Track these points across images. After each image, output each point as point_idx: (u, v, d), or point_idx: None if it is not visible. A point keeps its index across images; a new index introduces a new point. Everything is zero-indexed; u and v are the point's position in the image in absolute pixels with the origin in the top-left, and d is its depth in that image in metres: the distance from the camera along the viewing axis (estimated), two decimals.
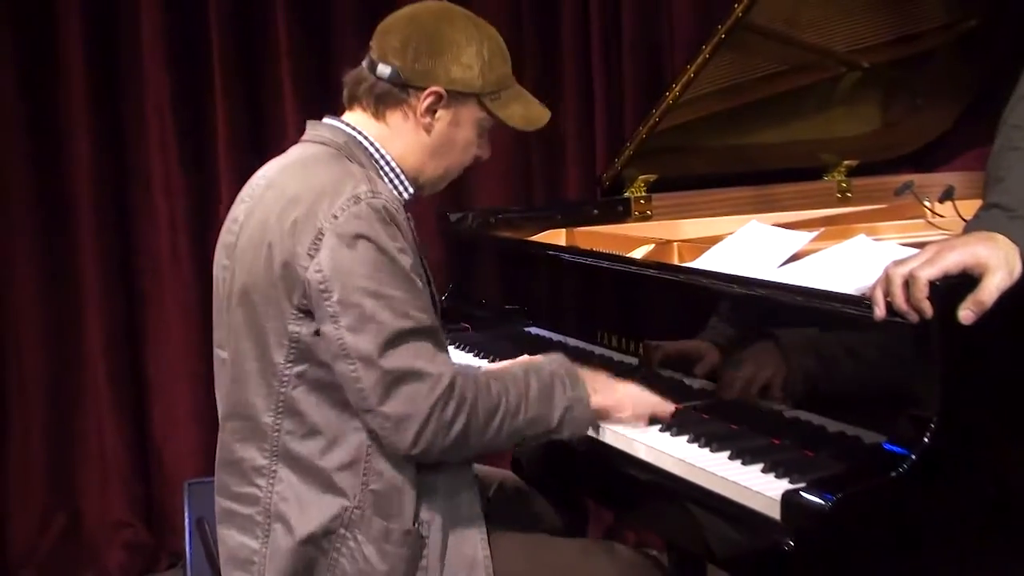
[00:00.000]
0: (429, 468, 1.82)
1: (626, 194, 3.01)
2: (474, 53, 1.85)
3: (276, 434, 1.81)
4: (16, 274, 3.59)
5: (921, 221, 2.84)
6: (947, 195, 2.74)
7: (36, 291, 3.60)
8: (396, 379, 1.70)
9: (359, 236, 1.71)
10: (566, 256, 2.51)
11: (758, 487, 1.64)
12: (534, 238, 2.80)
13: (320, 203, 1.74)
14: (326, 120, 1.93)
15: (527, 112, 1.94)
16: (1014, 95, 1.77)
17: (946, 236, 2.59)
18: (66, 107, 3.57)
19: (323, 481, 1.80)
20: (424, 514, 1.82)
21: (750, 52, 2.97)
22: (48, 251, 3.60)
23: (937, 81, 3.29)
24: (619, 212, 2.97)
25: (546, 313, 2.55)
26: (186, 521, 3.20)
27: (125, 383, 3.66)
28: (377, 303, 1.70)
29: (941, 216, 2.78)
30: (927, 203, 2.86)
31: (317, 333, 1.75)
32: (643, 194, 3.00)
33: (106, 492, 3.69)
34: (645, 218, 2.98)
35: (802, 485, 1.56)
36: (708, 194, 3.07)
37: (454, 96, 1.85)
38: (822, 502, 1.50)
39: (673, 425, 1.92)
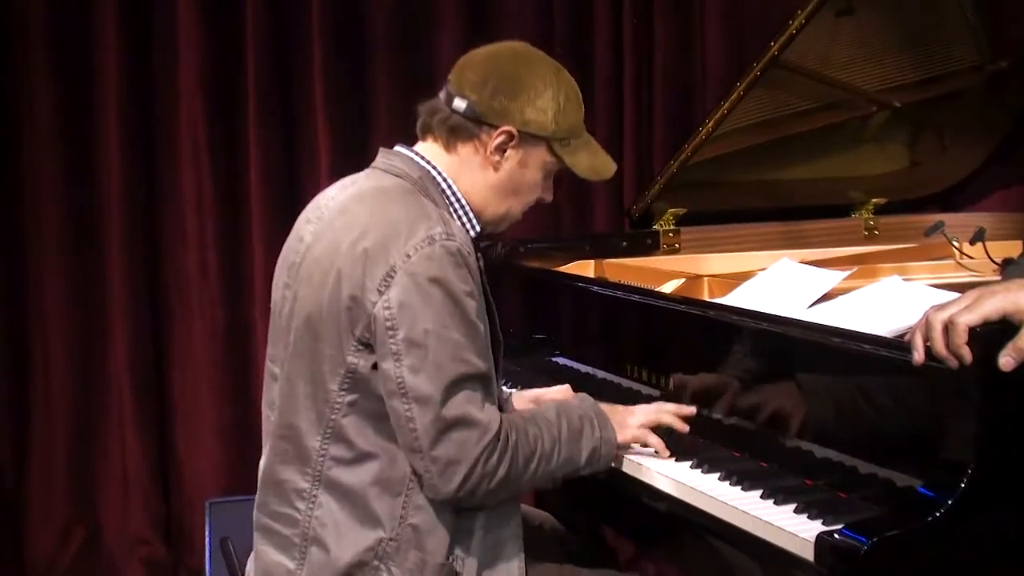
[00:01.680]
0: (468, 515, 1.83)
1: (655, 227, 3.02)
2: (550, 98, 1.87)
3: (321, 459, 1.82)
4: (44, 288, 3.62)
5: (951, 262, 2.84)
6: (978, 237, 2.75)
7: (64, 306, 3.62)
8: (449, 425, 1.72)
9: (431, 279, 1.73)
10: (597, 288, 2.52)
11: (791, 527, 1.64)
12: (563, 269, 2.82)
13: (395, 240, 1.75)
14: (400, 149, 1.93)
15: (593, 161, 1.97)
16: None
17: (976, 277, 2.61)
18: (99, 124, 3.59)
19: (362, 511, 1.80)
20: (459, 550, 1.82)
21: (782, 89, 2.99)
22: (77, 266, 3.62)
23: (966, 122, 3.31)
24: (648, 245, 2.98)
25: (574, 344, 2.56)
26: (207, 540, 3.23)
27: (149, 400, 3.67)
28: (440, 347, 1.72)
29: (971, 258, 2.79)
30: (956, 243, 2.86)
31: (375, 367, 1.76)
32: (672, 227, 3.02)
33: (127, 508, 3.70)
34: (673, 251, 2.99)
35: (837, 527, 1.56)
36: (736, 229, 3.08)
37: (525, 138, 1.87)
38: (857, 545, 1.50)
39: (705, 462, 1.93)
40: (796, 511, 1.69)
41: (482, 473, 1.74)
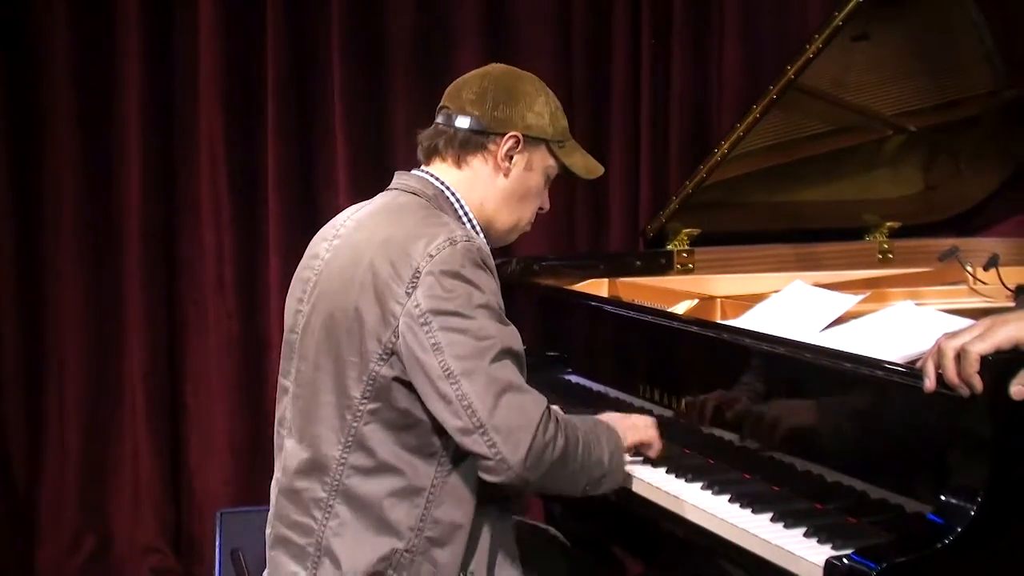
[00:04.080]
0: (482, 518, 1.85)
1: (669, 247, 3.03)
2: (543, 103, 2.00)
3: (340, 467, 1.84)
4: (61, 299, 3.65)
5: (964, 287, 2.84)
6: (992, 263, 2.75)
7: (80, 316, 3.65)
8: (502, 388, 1.73)
9: (454, 274, 1.77)
10: (611, 308, 2.53)
11: (800, 551, 1.64)
12: (576, 287, 2.83)
13: (416, 244, 1.80)
14: (414, 171, 2.01)
15: (586, 163, 2.08)
16: None
17: (989, 303, 2.61)
18: (119, 137, 3.63)
19: (378, 521, 1.82)
20: (470, 563, 1.84)
21: (798, 111, 3.00)
22: (94, 278, 3.66)
23: (981, 147, 3.31)
24: (661, 264, 3.00)
25: (587, 362, 2.57)
26: (216, 550, 3.23)
27: (162, 410, 3.70)
28: (477, 329, 1.75)
29: (985, 283, 2.79)
30: (970, 269, 2.86)
31: (397, 379, 1.79)
32: (686, 247, 3.03)
33: (137, 516, 3.72)
34: (687, 271, 3.01)
35: (846, 552, 1.56)
36: (750, 250, 3.09)
37: (529, 141, 1.98)
38: (866, 570, 1.50)
39: (715, 483, 1.93)
40: (806, 535, 1.69)
41: (544, 440, 1.74)
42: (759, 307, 2.35)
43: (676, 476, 2.01)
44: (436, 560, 1.82)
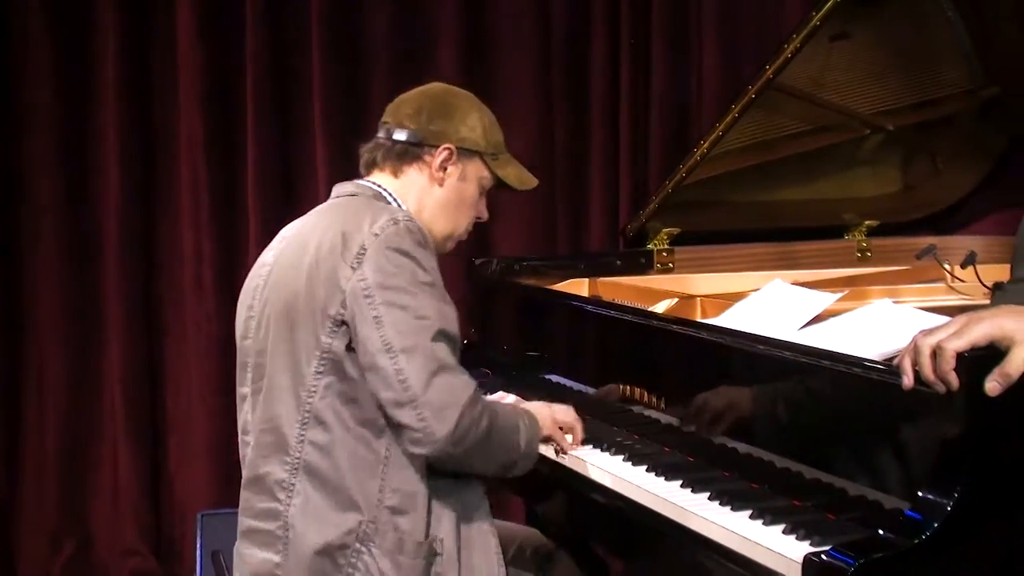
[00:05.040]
0: (442, 486, 1.93)
1: (649, 246, 3.04)
2: (477, 117, 2.12)
3: (299, 444, 1.91)
4: (40, 300, 3.64)
5: (942, 285, 2.86)
6: (969, 261, 2.77)
7: (59, 318, 3.64)
8: (437, 369, 1.84)
9: (400, 251, 1.88)
10: (591, 307, 2.53)
11: (779, 548, 1.65)
12: (557, 287, 2.83)
13: (362, 225, 1.90)
14: (352, 181, 2.12)
15: (520, 174, 2.20)
16: None
17: (967, 300, 2.63)
18: (98, 138, 3.63)
19: (340, 495, 1.89)
20: (437, 530, 1.90)
21: (777, 111, 3.01)
22: (73, 279, 3.65)
23: (958, 146, 3.33)
24: (642, 264, 3.01)
25: (567, 362, 2.58)
26: (197, 552, 3.22)
27: (142, 412, 3.69)
28: (418, 306, 1.86)
29: (962, 281, 2.81)
30: (947, 267, 2.88)
31: (348, 348, 1.87)
32: (666, 247, 3.04)
33: (117, 519, 3.71)
34: (667, 270, 3.02)
35: (825, 548, 1.57)
36: (729, 249, 3.11)
37: (463, 152, 2.09)
38: (844, 566, 1.51)
39: (694, 481, 1.94)
40: (784, 531, 1.70)
41: (471, 418, 1.85)
42: (738, 306, 2.37)
43: (656, 474, 2.01)
44: (400, 527, 1.88)
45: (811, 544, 1.64)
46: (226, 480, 3.65)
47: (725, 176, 3.07)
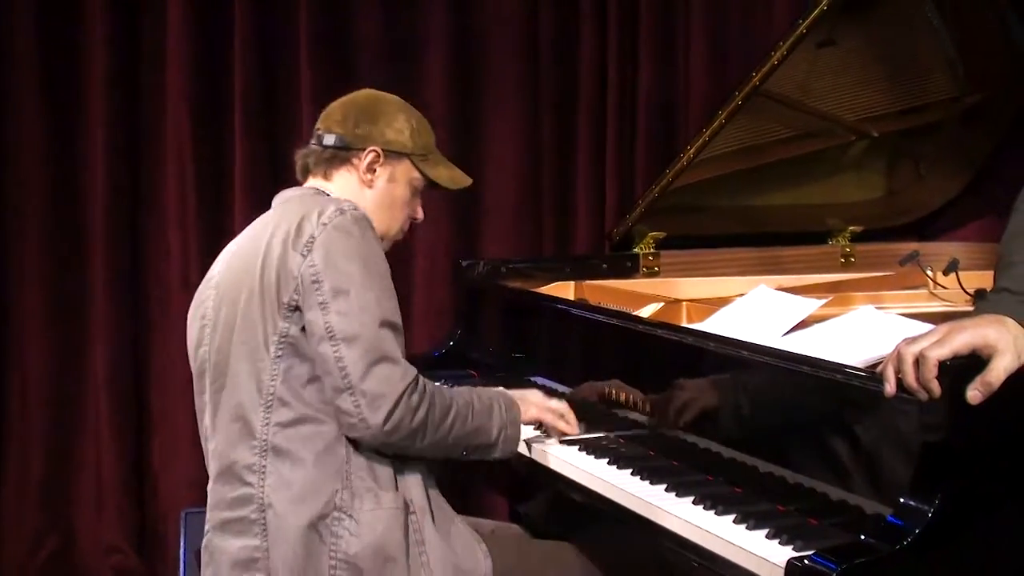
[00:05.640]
0: (408, 463, 2.01)
1: (635, 250, 3.06)
2: (404, 120, 2.19)
3: (265, 428, 1.97)
4: (26, 296, 3.61)
5: (924, 291, 2.88)
6: (951, 268, 2.79)
7: (44, 315, 3.62)
8: (376, 359, 1.91)
9: (348, 238, 1.95)
10: (577, 311, 2.55)
11: (763, 552, 1.67)
12: (543, 289, 2.85)
13: (310, 216, 1.98)
14: (291, 188, 2.19)
15: (452, 174, 2.27)
16: None
17: (949, 307, 2.65)
18: (85, 136, 3.60)
19: (311, 469, 1.95)
20: (406, 492, 1.99)
21: (763, 117, 3.04)
22: (59, 276, 3.62)
23: (942, 152, 3.36)
24: (627, 267, 3.03)
25: (552, 364, 2.59)
26: (181, 550, 3.22)
27: (126, 409, 3.67)
28: (363, 293, 1.93)
29: (944, 288, 2.83)
30: (930, 273, 2.90)
31: (303, 329, 1.94)
32: (652, 251, 3.06)
33: (100, 516, 3.69)
34: (653, 274, 3.04)
35: (808, 553, 1.59)
36: (715, 253, 3.13)
37: (390, 155, 2.17)
38: (827, 571, 1.53)
39: (679, 485, 1.96)
40: (768, 536, 1.71)
41: (405, 408, 1.91)
42: (723, 311, 2.38)
43: (641, 478, 2.03)
44: (375, 489, 1.95)
45: (794, 549, 1.66)
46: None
47: (711, 181, 3.09)
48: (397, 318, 1.98)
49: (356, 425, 1.91)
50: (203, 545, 2.07)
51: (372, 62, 3.70)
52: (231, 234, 3.57)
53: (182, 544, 3.22)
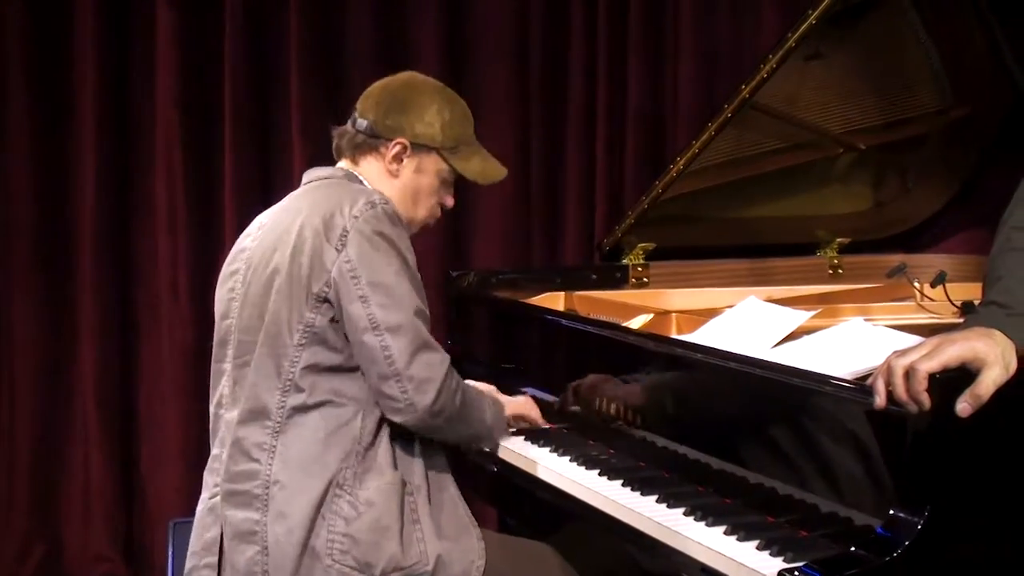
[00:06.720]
0: (409, 444, 2.07)
1: (624, 261, 3.07)
2: (435, 112, 2.18)
3: (280, 410, 2.01)
4: (14, 303, 3.62)
5: (911, 303, 2.90)
6: (939, 280, 2.81)
7: (33, 322, 3.63)
8: (420, 347, 1.99)
9: (379, 233, 2.00)
10: (566, 322, 2.55)
11: (753, 564, 1.68)
12: (533, 300, 2.85)
13: (341, 208, 2.02)
14: (322, 168, 2.22)
15: (484, 167, 2.26)
16: (1015, 197, 1.83)
17: (936, 319, 2.67)
18: (74, 143, 3.61)
19: (319, 449, 2.00)
20: (407, 477, 2.05)
21: (752, 129, 3.05)
22: (47, 283, 3.63)
23: (929, 165, 3.38)
24: (617, 278, 3.04)
25: (542, 375, 2.60)
26: (169, 560, 3.21)
27: (115, 418, 3.67)
28: (400, 284, 2.00)
29: (932, 300, 2.85)
30: (918, 285, 2.92)
31: (332, 320, 1.99)
32: (641, 262, 3.06)
33: (88, 525, 3.69)
34: (642, 285, 3.04)
35: (798, 565, 1.60)
36: (704, 265, 3.14)
37: (417, 147, 2.17)
38: None
39: (670, 496, 1.97)
40: (758, 547, 1.73)
41: (449, 391, 2.01)
42: (713, 322, 2.39)
43: (632, 489, 2.04)
44: (378, 468, 2.00)
45: (784, 560, 1.67)
46: (199, 488, 3.63)
47: (700, 192, 3.10)
48: (426, 306, 2.05)
49: (403, 409, 1.98)
50: (208, 508, 2.10)
51: (363, 71, 3.70)
52: (221, 241, 3.64)
53: (170, 555, 3.21)
